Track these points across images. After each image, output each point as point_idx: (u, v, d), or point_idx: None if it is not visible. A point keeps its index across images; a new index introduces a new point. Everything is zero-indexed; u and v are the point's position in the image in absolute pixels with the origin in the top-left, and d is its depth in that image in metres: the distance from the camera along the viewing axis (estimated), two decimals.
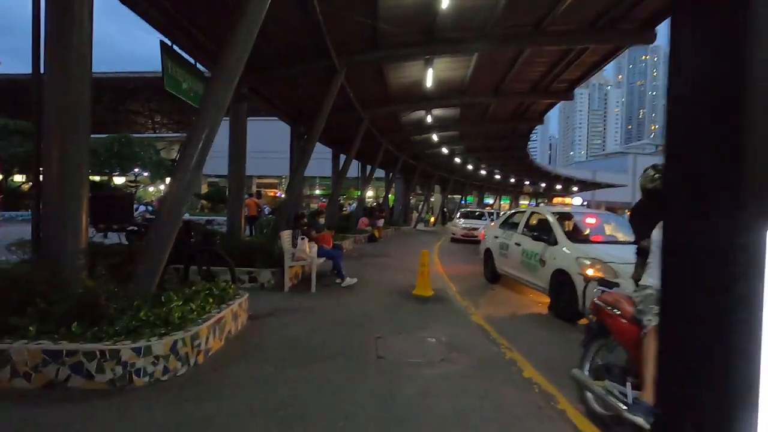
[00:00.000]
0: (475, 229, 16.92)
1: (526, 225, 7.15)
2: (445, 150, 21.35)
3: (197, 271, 5.54)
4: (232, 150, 8.63)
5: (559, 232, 6.20)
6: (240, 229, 8.39)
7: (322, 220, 8.48)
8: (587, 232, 6.55)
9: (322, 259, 6.95)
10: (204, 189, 35.33)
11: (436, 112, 14.63)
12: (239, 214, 8.42)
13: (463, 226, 17.86)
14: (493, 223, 9.40)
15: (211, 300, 4.18)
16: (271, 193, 37.87)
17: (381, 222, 18.04)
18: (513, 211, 8.38)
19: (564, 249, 5.81)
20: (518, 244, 6.99)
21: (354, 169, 21.01)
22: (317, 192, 39.13)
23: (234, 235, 8.13)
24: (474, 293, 7.11)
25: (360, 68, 9.62)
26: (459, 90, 12.18)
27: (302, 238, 6.73)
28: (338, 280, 7.04)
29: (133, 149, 27.80)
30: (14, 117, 27.62)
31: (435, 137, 17.59)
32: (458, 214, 20.58)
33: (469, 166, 28.68)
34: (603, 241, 6.25)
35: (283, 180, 37.75)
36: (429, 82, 10.58)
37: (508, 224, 7.99)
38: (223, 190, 31.56)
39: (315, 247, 6.90)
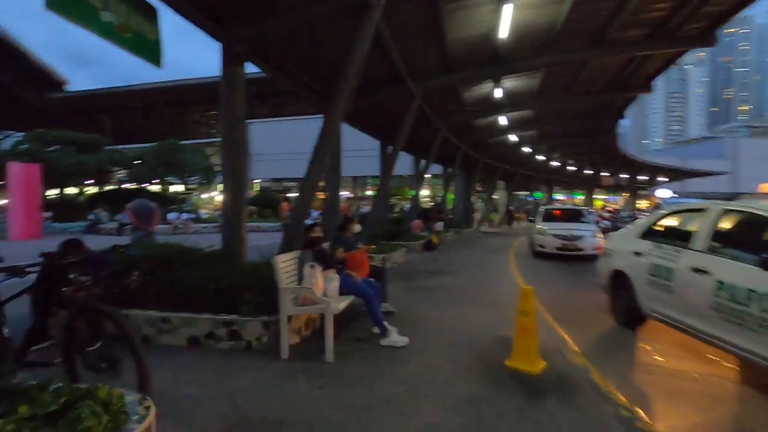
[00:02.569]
0: (579, 238, 10.50)
1: (718, 236, 3.87)
2: (513, 137, 17.90)
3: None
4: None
5: None
6: (240, 246, 5.89)
7: (356, 229, 5.73)
8: None
9: (345, 302, 4.16)
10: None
11: (508, 83, 11.42)
12: (238, 224, 5.94)
13: (556, 233, 10.86)
14: (623, 231, 5.99)
15: None
16: (321, 195, 36.19)
17: (440, 225, 15.04)
18: (671, 209, 5.06)
19: None
20: (702, 272, 3.75)
21: (407, 165, 18.23)
22: (369, 193, 36.82)
23: (231, 255, 5.64)
24: (616, 358, 3.98)
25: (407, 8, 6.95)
26: (543, 43, 8.93)
27: (311, 266, 4.02)
28: (376, 330, 4.25)
29: (181, 155, 27.14)
30: (77, 129, 28.16)
31: (504, 119, 14.28)
32: (540, 216, 12.66)
33: (539, 157, 24.73)
34: None
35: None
36: (504, 31, 7.51)
37: (666, 233, 4.73)
38: (272, 194, 30.22)
39: (335, 281, 4.16)
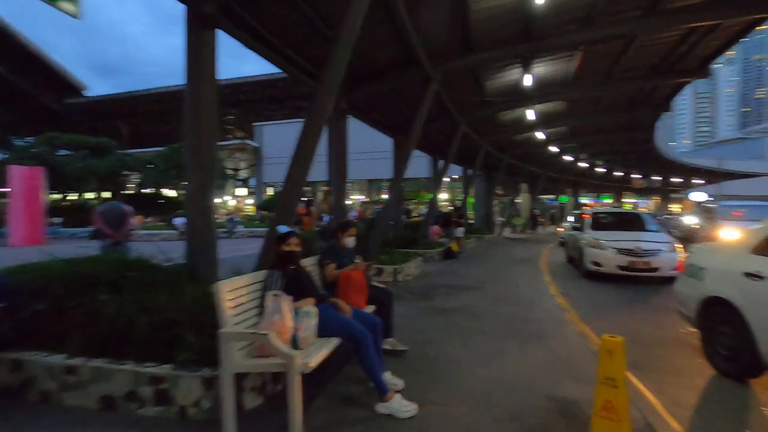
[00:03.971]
0: (653, 253, 7.60)
1: None
2: (540, 134, 16.31)
3: None
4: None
5: None
6: (208, 261, 4.63)
7: (349, 241, 4.37)
8: None
9: (322, 354, 2.76)
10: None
11: (539, 68, 9.93)
12: (206, 232, 4.68)
13: (620, 247, 7.86)
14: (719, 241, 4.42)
15: None
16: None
17: (460, 231, 13.58)
18: None
19: None
20: None
21: (423, 167, 16.86)
22: (384, 197, 35.51)
23: (195, 274, 4.39)
24: None
25: None
26: (587, 14, 7.45)
27: (275, 295, 2.70)
28: (371, 383, 2.89)
29: None
30: (95, 134, 27.83)
31: (532, 113, 12.75)
32: (588, 223, 9.51)
33: (567, 157, 22.96)
34: None
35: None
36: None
37: None
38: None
39: (312, 317, 2.81)
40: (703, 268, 3.94)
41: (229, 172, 33.50)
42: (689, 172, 35.05)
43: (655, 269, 7.53)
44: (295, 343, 2.69)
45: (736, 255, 3.63)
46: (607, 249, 8.03)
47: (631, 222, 9.56)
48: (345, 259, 4.10)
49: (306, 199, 14.96)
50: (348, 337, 2.93)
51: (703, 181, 42.68)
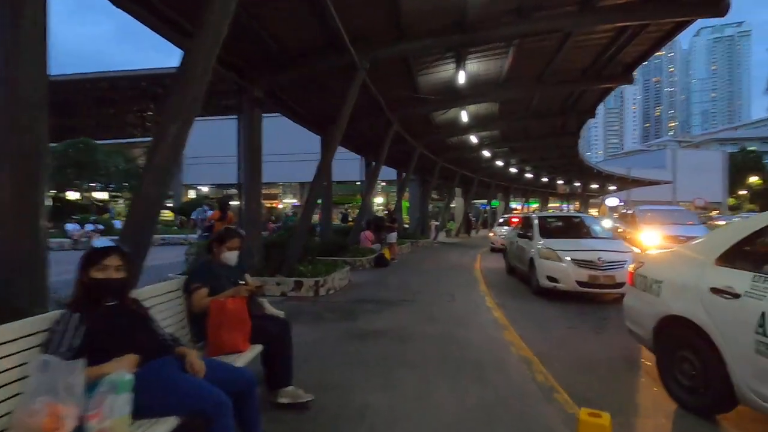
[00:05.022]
0: (617, 265, 6.41)
1: None
2: (474, 138, 16.17)
3: None
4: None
5: None
6: (29, 283, 3.28)
7: (228, 257, 3.22)
8: None
9: None
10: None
11: (472, 66, 9.48)
12: (32, 242, 3.34)
13: (578, 258, 6.60)
14: (675, 250, 3.83)
15: None
16: (270, 204, 32.91)
17: (393, 237, 12.83)
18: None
19: None
20: None
21: (358, 170, 15.97)
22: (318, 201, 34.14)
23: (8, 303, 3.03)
24: None
25: None
26: (518, 6, 7.00)
27: (44, 363, 1.56)
28: None
29: (95, 157, 23.19)
30: None
31: (465, 115, 12.38)
32: (534, 230, 7.99)
33: (499, 162, 23.37)
34: None
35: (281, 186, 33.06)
36: None
37: None
38: (211, 201, 26.72)
39: (120, 390, 1.71)
40: (660, 281, 3.39)
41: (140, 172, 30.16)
42: (605, 178, 37.89)
43: (619, 284, 6.00)
44: None
45: (698, 266, 3.08)
46: (566, 263, 6.62)
47: (578, 227, 8.53)
48: (224, 280, 3.01)
49: (220, 198, 13.35)
50: (194, 412, 1.86)
51: (615, 188, 46.48)
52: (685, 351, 3.08)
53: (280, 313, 3.46)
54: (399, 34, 7.24)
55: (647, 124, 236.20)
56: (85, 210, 24.36)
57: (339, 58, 7.17)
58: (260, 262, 7.33)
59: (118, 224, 22.63)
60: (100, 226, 18.15)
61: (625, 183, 44.41)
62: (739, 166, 67.69)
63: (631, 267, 3.97)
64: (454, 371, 3.61)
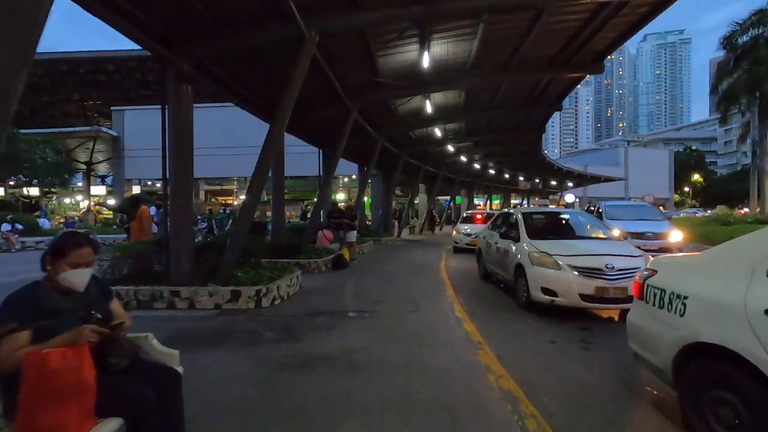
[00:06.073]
0: (628, 274, 4.99)
1: None
2: (438, 131, 15.43)
3: None
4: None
5: None
6: None
7: (73, 278, 2.09)
8: None
9: None
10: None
11: (437, 48, 8.62)
12: None
13: (581, 266, 5.20)
14: (701, 255, 3.05)
15: None
16: (226, 200, 30.86)
17: (353, 235, 11.82)
18: None
19: None
20: None
21: (315, 165, 14.81)
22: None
23: None
24: None
25: None
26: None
27: None
28: None
29: (17, 147, 20.53)
30: None
31: (429, 106, 11.56)
32: (520, 229, 6.51)
33: (462, 158, 22.87)
34: None
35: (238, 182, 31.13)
36: None
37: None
38: (147, 198, 24.50)
39: None
40: (684, 296, 2.61)
41: (81, 165, 27.42)
42: (564, 175, 38.54)
43: (631, 298, 3.70)
44: None
45: (743, 278, 2.32)
46: (566, 271, 5.21)
47: (566, 226, 7.17)
48: (66, 316, 1.92)
49: (132, 196, 11.86)
50: None
51: (572, 184, 47.65)
52: (723, 391, 2.33)
53: (174, 354, 2.40)
54: (353, 2, 6.24)
55: (599, 124, 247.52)
56: (14, 208, 21.66)
57: (284, 28, 6.08)
58: (189, 270, 6.13)
59: (47, 225, 20.23)
60: (19, 226, 15.91)
61: (583, 180, 45.58)
62: (683, 165, 71.99)
63: (637, 275, 3.20)
64: (421, 423, 2.69)
